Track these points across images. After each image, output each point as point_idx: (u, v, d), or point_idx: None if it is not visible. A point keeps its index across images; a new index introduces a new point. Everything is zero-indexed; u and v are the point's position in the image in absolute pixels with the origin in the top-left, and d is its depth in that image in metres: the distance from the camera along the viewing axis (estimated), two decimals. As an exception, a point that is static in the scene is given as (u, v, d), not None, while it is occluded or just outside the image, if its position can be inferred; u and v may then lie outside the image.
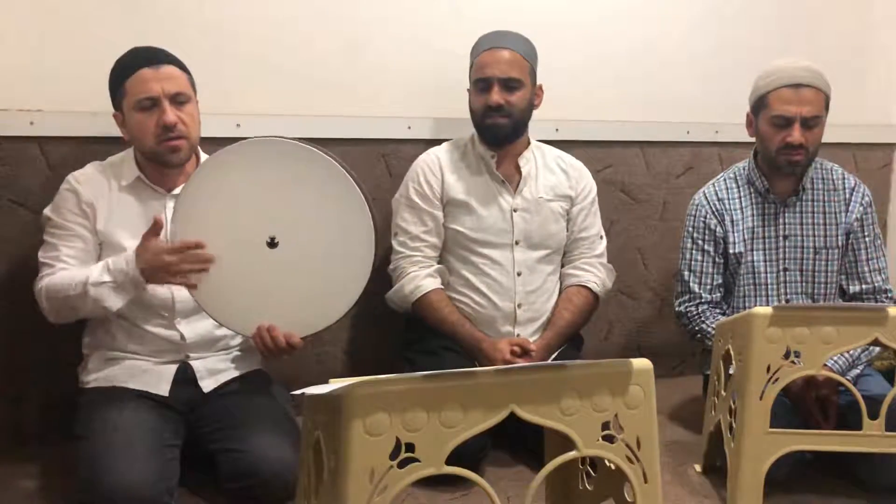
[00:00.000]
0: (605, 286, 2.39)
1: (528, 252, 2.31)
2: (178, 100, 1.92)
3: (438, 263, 2.32)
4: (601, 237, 2.43)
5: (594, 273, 2.36)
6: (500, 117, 2.24)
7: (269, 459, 1.80)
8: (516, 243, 2.29)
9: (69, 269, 1.90)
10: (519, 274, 2.29)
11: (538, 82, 2.33)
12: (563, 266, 2.40)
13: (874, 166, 3.14)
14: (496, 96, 2.22)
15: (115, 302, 1.85)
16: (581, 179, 2.40)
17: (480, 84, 2.25)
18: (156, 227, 1.80)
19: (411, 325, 2.35)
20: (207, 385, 1.98)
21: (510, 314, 2.28)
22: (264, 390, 2.03)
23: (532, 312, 2.30)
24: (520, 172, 2.33)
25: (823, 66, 2.18)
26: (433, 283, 2.26)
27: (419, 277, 2.26)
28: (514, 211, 2.30)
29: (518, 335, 2.26)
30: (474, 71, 2.28)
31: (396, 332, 2.41)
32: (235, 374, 2.03)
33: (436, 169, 2.31)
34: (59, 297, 1.87)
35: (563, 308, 2.32)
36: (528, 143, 2.37)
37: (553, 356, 2.27)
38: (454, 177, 2.31)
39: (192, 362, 1.99)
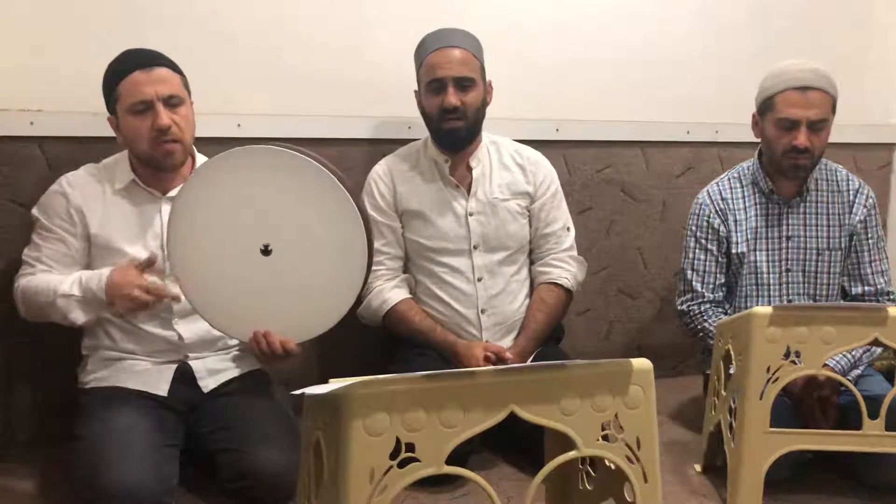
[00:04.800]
0: (576, 280, 2.35)
1: (488, 256, 2.27)
2: (172, 102, 1.92)
3: (404, 272, 2.30)
4: (568, 229, 2.37)
5: (564, 268, 2.33)
6: (456, 120, 2.19)
7: (269, 459, 1.80)
8: (474, 248, 2.26)
9: (49, 271, 1.91)
10: (480, 279, 2.26)
11: (487, 79, 2.28)
12: (532, 263, 2.37)
13: (874, 166, 3.14)
14: (452, 98, 2.17)
15: (78, 316, 1.86)
16: (538, 173, 2.34)
17: (433, 85, 2.19)
18: (148, 262, 1.81)
19: (388, 337, 2.33)
20: (207, 385, 1.99)
21: (474, 320, 2.26)
22: (264, 390, 2.03)
23: (497, 317, 2.27)
24: (472, 174, 2.29)
25: (823, 66, 2.18)
26: (400, 295, 2.25)
27: (385, 290, 2.24)
28: (470, 215, 2.26)
29: (486, 340, 2.24)
30: (424, 72, 2.22)
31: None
32: (235, 373, 2.03)
33: (387, 180, 2.29)
34: (31, 300, 1.89)
35: (536, 310, 2.29)
36: (480, 142, 2.31)
37: (532, 356, 2.25)
38: (406, 186, 2.27)
39: (191, 362, 1.99)
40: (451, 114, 2.18)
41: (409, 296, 2.27)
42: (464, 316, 2.26)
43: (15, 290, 1.94)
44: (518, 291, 2.33)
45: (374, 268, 2.22)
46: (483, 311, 2.26)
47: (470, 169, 2.29)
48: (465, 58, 2.20)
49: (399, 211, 2.28)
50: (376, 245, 2.24)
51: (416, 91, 2.30)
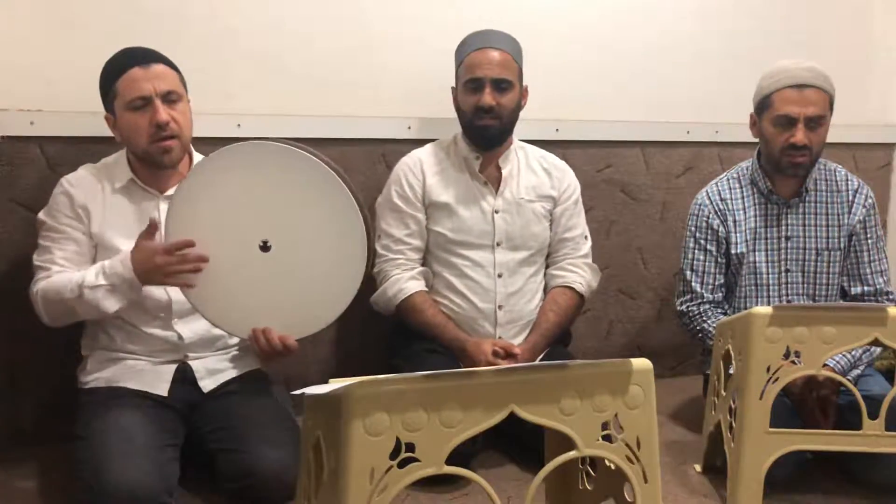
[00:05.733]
0: (589, 287, 2.38)
1: (510, 253, 2.30)
2: (170, 98, 1.92)
3: (422, 265, 2.32)
4: (586, 237, 2.42)
5: (579, 273, 2.36)
6: (490, 119, 2.22)
7: (269, 459, 1.80)
8: (497, 244, 2.29)
9: (64, 272, 1.90)
10: (500, 275, 2.28)
11: (524, 83, 2.32)
12: (547, 266, 2.39)
13: (874, 166, 3.14)
14: (488, 97, 2.21)
15: (110, 304, 1.85)
16: (564, 179, 2.39)
17: (471, 84, 2.23)
18: (151, 229, 1.80)
19: (396, 330, 2.34)
20: (207, 385, 1.98)
21: (490, 316, 2.27)
22: (264, 390, 2.03)
23: (513, 314, 2.29)
24: (501, 173, 2.32)
25: (823, 65, 2.19)
26: (416, 286, 2.26)
27: (402, 280, 2.25)
28: (496, 212, 2.29)
29: (499, 337, 2.26)
30: (464, 70, 2.26)
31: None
32: (235, 373, 2.03)
33: (417, 171, 2.31)
34: (54, 301, 1.87)
35: (549, 309, 2.31)
36: (511, 144, 2.35)
37: (540, 357, 2.26)
38: (436, 179, 2.30)
39: (191, 362, 1.99)
40: (486, 113, 2.22)
41: (424, 288, 2.28)
42: (480, 310, 2.27)
43: (33, 296, 1.91)
44: (535, 292, 2.34)
45: (394, 256, 2.27)
46: (500, 307, 2.28)
47: (499, 168, 2.32)
48: (505, 60, 2.23)
49: (426, 202, 2.30)
50: (399, 234, 2.28)
51: (452, 87, 2.33)
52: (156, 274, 1.81)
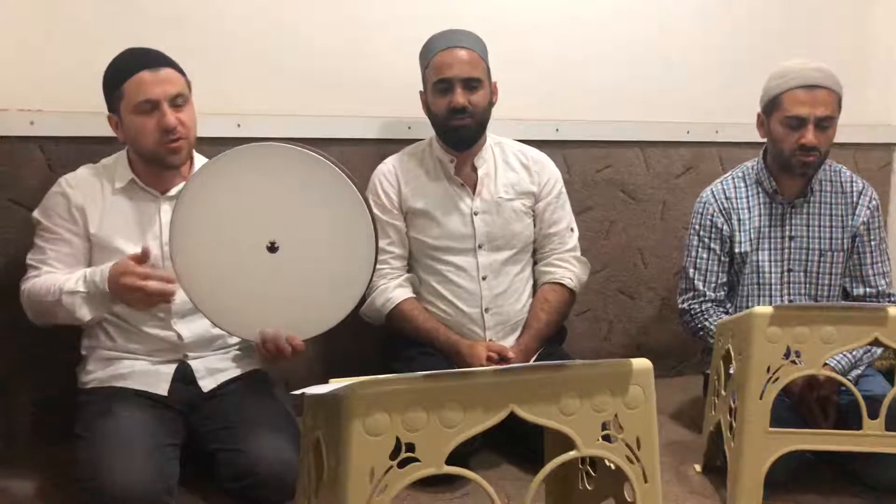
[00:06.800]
0: (579, 280, 2.37)
1: (492, 255, 2.28)
2: (177, 102, 1.92)
3: (408, 272, 2.31)
4: (572, 230, 2.39)
5: (567, 268, 2.34)
6: (464, 119, 2.20)
7: (269, 459, 1.80)
8: (479, 247, 2.27)
9: (54, 272, 1.90)
10: (484, 278, 2.27)
11: (493, 80, 2.29)
12: (535, 263, 2.38)
13: (874, 166, 3.14)
14: (460, 97, 2.18)
15: (84, 313, 1.84)
16: (543, 173, 2.36)
17: (441, 85, 2.20)
18: (142, 255, 1.78)
19: (392, 334, 2.33)
20: (207, 384, 1.98)
21: (478, 319, 2.27)
22: (264, 390, 2.03)
23: (500, 316, 2.28)
24: (477, 174, 2.30)
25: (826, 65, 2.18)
26: (404, 294, 2.26)
27: (389, 289, 2.25)
28: (475, 214, 2.27)
29: (490, 340, 2.25)
30: (432, 72, 2.23)
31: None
32: (235, 373, 2.03)
33: (392, 179, 2.29)
34: (37, 301, 1.88)
35: (539, 309, 2.30)
36: (485, 142, 2.33)
37: (534, 357, 2.26)
38: (411, 185, 2.28)
39: (190, 362, 1.99)
40: (459, 113, 2.20)
41: (412, 295, 2.28)
42: (467, 315, 2.27)
43: (21, 294, 1.92)
44: (522, 291, 2.33)
45: (378, 266, 2.23)
46: (487, 310, 2.27)
47: (475, 168, 2.30)
48: (472, 58, 2.21)
49: (404, 210, 2.29)
50: (380, 244, 2.25)
51: (420, 91, 2.31)
52: (122, 291, 1.78)
